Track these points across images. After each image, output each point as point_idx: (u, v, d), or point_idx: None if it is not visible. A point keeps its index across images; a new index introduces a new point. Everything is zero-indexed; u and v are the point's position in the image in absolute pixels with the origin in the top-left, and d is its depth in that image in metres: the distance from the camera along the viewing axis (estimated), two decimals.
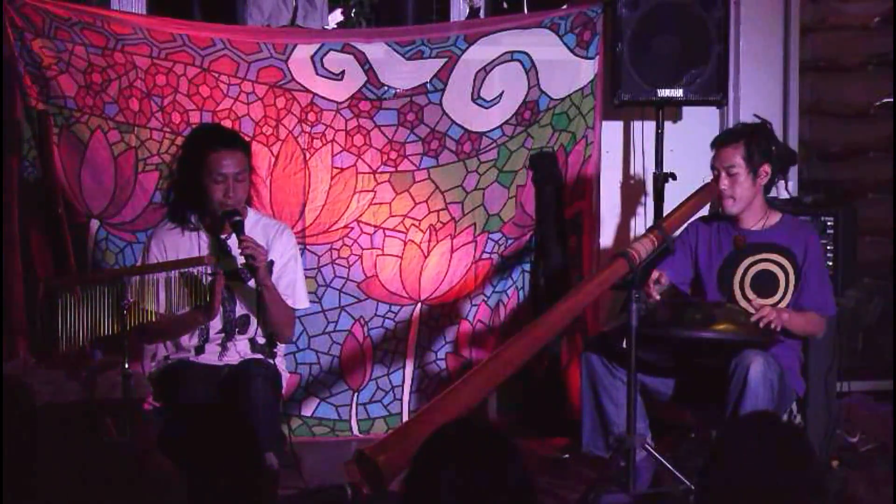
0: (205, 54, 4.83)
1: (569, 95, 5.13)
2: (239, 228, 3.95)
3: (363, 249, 5.03)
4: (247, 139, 4.52)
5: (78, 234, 4.71)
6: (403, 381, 5.10)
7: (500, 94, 5.08)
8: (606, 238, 5.44)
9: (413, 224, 5.07)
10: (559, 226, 5.14)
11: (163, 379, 4.08)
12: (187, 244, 4.06)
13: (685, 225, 4.31)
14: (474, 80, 5.05)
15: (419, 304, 5.10)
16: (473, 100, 5.06)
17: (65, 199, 4.66)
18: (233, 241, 4.01)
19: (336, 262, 5.00)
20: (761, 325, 3.99)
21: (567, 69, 5.13)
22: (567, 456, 4.64)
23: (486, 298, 5.15)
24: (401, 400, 5.10)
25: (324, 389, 5.03)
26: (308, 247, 4.94)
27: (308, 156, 4.96)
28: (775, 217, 4.27)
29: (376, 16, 5.39)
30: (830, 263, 4.64)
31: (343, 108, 4.97)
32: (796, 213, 4.54)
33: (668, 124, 5.23)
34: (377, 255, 5.04)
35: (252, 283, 3.98)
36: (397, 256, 5.06)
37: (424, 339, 5.12)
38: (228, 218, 3.97)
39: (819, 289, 4.18)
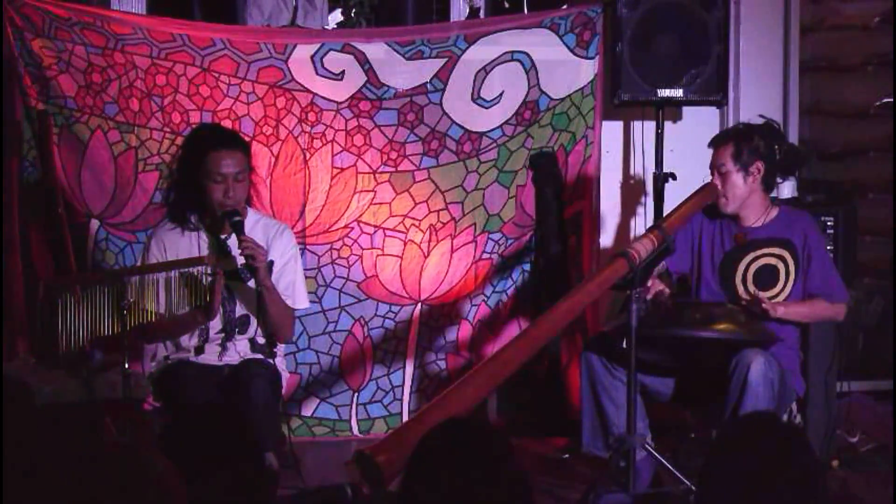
0: (205, 54, 4.84)
1: (569, 95, 5.13)
2: (239, 228, 3.94)
3: (363, 249, 5.03)
4: (247, 139, 4.53)
5: (78, 234, 4.71)
6: (403, 381, 5.10)
7: (500, 94, 5.08)
8: (606, 238, 5.44)
9: (413, 224, 5.07)
10: (559, 226, 5.14)
11: (163, 379, 4.08)
12: (187, 244, 4.06)
13: None
14: (474, 80, 5.05)
15: (419, 304, 5.10)
16: (473, 100, 5.06)
17: (65, 199, 4.65)
18: (233, 241, 4.01)
19: (336, 262, 5.00)
20: (755, 307, 4.00)
21: (567, 69, 5.13)
22: (567, 456, 4.65)
23: (486, 298, 5.15)
24: (401, 400, 5.10)
25: (324, 389, 5.03)
26: (308, 247, 4.94)
27: (308, 156, 4.96)
28: (774, 211, 4.29)
29: (376, 16, 5.38)
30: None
31: (343, 107, 4.97)
32: None
33: (668, 124, 5.23)
34: (377, 255, 5.04)
35: (252, 283, 3.98)
36: (397, 256, 5.06)
37: (424, 339, 5.12)
38: (228, 218, 3.97)
39: (823, 275, 4.17)
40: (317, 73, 4.94)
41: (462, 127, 5.06)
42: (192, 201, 4.06)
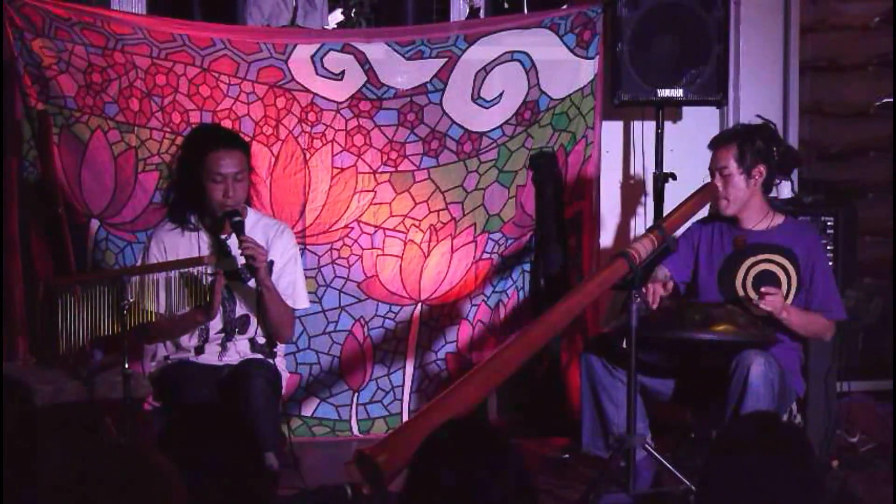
0: (205, 54, 4.83)
1: (569, 95, 5.13)
2: (239, 228, 3.94)
3: (363, 249, 5.03)
4: (247, 139, 4.53)
5: (78, 234, 4.71)
6: (404, 382, 5.10)
7: (500, 94, 5.08)
8: (606, 238, 5.44)
9: (413, 224, 5.07)
10: (559, 226, 5.14)
11: (163, 379, 4.08)
12: (187, 244, 4.06)
13: (687, 226, 4.31)
14: (474, 80, 5.05)
15: (419, 305, 5.10)
16: (473, 100, 5.06)
17: (65, 199, 4.65)
18: (233, 242, 4.01)
19: (336, 262, 5.00)
20: (765, 304, 3.99)
21: (567, 69, 5.13)
22: (567, 456, 4.64)
23: (486, 298, 5.15)
24: (401, 400, 5.10)
25: (324, 389, 5.03)
26: (308, 247, 4.94)
27: (308, 156, 4.96)
28: (779, 219, 4.27)
29: (376, 16, 5.38)
30: (830, 263, 4.64)
31: (343, 108, 4.97)
32: (796, 214, 4.54)
33: (668, 124, 5.23)
34: (377, 255, 5.04)
35: (252, 283, 3.98)
36: (397, 256, 5.06)
37: (425, 340, 5.11)
38: (229, 218, 3.97)
39: (825, 292, 4.17)
40: (317, 73, 4.94)
41: (462, 127, 5.06)
42: (192, 201, 4.06)
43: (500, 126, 5.08)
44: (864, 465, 4.52)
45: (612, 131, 5.40)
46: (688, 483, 3.81)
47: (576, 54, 5.12)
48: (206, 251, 4.04)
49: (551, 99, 5.11)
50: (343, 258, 5.01)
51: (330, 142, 4.97)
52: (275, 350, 4.10)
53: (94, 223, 4.79)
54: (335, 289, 5.01)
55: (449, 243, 5.10)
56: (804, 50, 5.66)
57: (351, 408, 5.06)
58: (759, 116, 4.42)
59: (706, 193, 4.26)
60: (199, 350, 4.08)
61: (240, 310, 4.08)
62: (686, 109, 5.40)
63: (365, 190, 5.01)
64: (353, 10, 5.34)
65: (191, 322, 4.01)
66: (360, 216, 5.02)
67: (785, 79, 5.59)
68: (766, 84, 5.55)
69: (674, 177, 5.09)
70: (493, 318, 5.16)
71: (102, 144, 4.77)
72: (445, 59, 5.01)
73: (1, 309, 4.56)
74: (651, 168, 5.22)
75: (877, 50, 5.69)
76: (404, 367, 5.10)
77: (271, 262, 4.06)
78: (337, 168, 4.99)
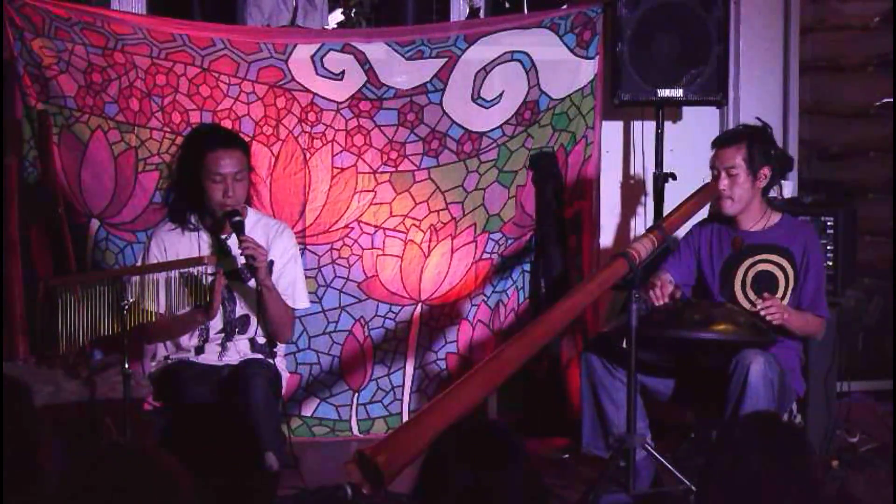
0: (205, 54, 4.83)
1: (569, 95, 5.13)
2: (239, 228, 3.94)
3: (363, 249, 5.03)
4: (247, 139, 4.53)
5: (78, 234, 4.71)
6: (404, 382, 5.10)
7: (500, 94, 5.08)
8: (606, 238, 5.44)
9: (413, 224, 5.07)
10: (559, 226, 5.14)
11: (163, 379, 4.08)
12: (187, 244, 4.06)
13: (687, 228, 4.32)
14: (474, 80, 5.05)
15: (420, 305, 5.10)
16: (473, 100, 5.06)
17: (65, 199, 4.65)
18: (233, 241, 4.01)
19: (336, 262, 5.00)
20: (765, 315, 3.99)
21: (567, 69, 5.13)
22: (567, 456, 4.65)
23: (486, 298, 5.15)
24: (401, 400, 5.10)
25: (324, 389, 5.03)
26: (308, 247, 4.94)
27: (308, 156, 4.96)
28: (775, 217, 4.27)
29: (376, 16, 5.39)
30: (830, 263, 4.64)
31: (343, 107, 4.97)
32: (796, 214, 4.54)
33: (668, 124, 5.24)
34: (378, 255, 5.04)
35: (252, 283, 3.98)
36: (398, 256, 5.06)
37: (425, 340, 5.11)
38: (229, 218, 3.97)
39: (815, 291, 4.18)
40: (317, 73, 4.94)
41: (462, 127, 5.06)
42: (191, 201, 4.06)
43: (500, 126, 5.08)
44: (864, 465, 4.52)
45: (612, 131, 5.40)
46: (688, 483, 3.81)
47: (576, 54, 5.12)
48: (206, 251, 4.04)
49: (551, 99, 5.11)
50: (343, 258, 5.01)
51: (330, 142, 4.97)
52: (275, 350, 4.09)
53: (94, 223, 4.79)
54: (335, 289, 5.01)
55: (449, 243, 5.10)
56: (804, 50, 5.66)
57: (351, 408, 5.06)
58: (758, 119, 4.42)
59: (706, 193, 4.26)
60: (199, 350, 4.08)
61: (240, 310, 4.08)
62: (686, 109, 5.40)
63: (365, 190, 5.01)
64: (353, 10, 5.34)
65: (191, 322, 4.01)
66: (360, 216, 5.02)
67: (785, 79, 5.59)
68: (766, 84, 5.55)
69: (674, 177, 5.10)
70: (493, 318, 5.16)
71: (102, 144, 4.77)
72: (445, 59, 5.01)
73: (1, 309, 4.56)
74: (651, 168, 5.22)
75: (877, 50, 5.69)
76: (404, 367, 5.10)
77: (271, 262, 4.06)
78: (337, 168, 4.99)
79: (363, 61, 4.95)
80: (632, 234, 5.45)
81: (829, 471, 4.35)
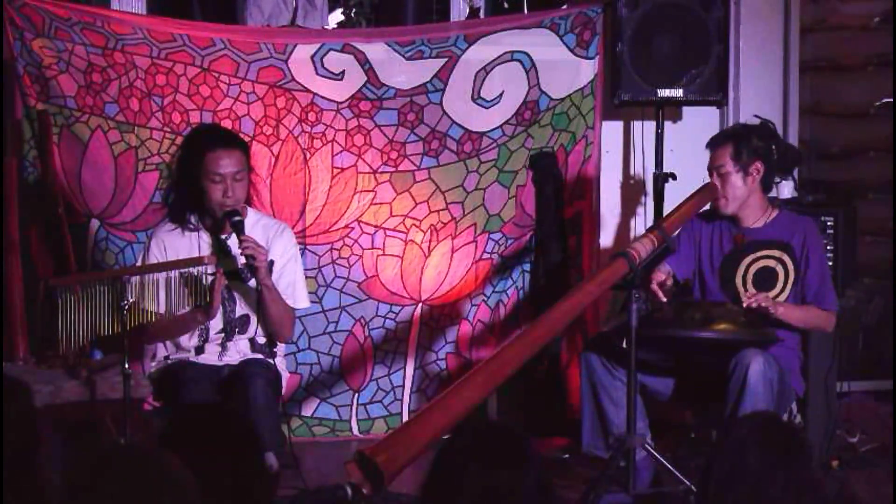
0: (205, 54, 4.83)
1: (569, 95, 5.13)
2: (239, 228, 3.94)
3: (364, 249, 5.03)
4: (246, 139, 4.53)
5: (78, 234, 4.71)
6: (404, 382, 5.10)
7: (501, 94, 5.08)
8: (606, 238, 5.44)
9: (414, 224, 5.07)
10: (559, 226, 5.14)
11: (163, 379, 4.08)
12: (187, 244, 4.06)
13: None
14: (474, 80, 5.05)
15: (420, 305, 5.09)
16: (474, 100, 5.06)
17: (65, 199, 4.65)
18: (233, 241, 4.01)
19: (336, 262, 5.00)
20: (753, 305, 3.99)
21: (567, 69, 5.13)
22: (567, 456, 4.64)
23: (486, 298, 5.15)
24: (401, 400, 5.10)
25: (324, 389, 5.03)
26: (308, 247, 4.94)
27: (308, 156, 4.96)
28: (774, 212, 4.28)
29: (376, 16, 5.39)
30: (830, 263, 4.64)
31: (343, 107, 4.97)
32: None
33: (668, 124, 5.24)
34: (378, 256, 5.04)
35: (252, 282, 3.98)
36: (398, 256, 5.06)
37: (425, 340, 5.11)
38: (229, 218, 3.97)
39: (819, 283, 4.18)
40: (317, 73, 4.94)
41: (462, 127, 5.06)
42: (191, 201, 4.06)
43: (501, 126, 5.08)
44: (864, 465, 4.53)
45: (612, 131, 5.40)
46: (688, 483, 3.80)
47: (576, 54, 5.12)
48: (206, 251, 4.04)
49: (551, 99, 5.11)
50: (343, 258, 5.01)
51: (330, 142, 4.97)
52: (275, 350, 4.09)
53: (94, 223, 4.79)
54: (335, 289, 5.01)
55: (449, 243, 5.10)
56: (804, 50, 5.66)
57: (351, 408, 5.06)
58: (756, 116, 4.42)
59: (706, 193, 4.26)
60: (199, 350, 4.08)
61: (240, 310, 4.08)
62: (686, 109, 5.40)
63: (365, 190, 5.01)
64: (353, 10, 5.34)
65: (191, 322, 4.01)
66: (360, 216, 5.02)
67: (785, 79, 5.59)
68: (765, 84, 5.55)
69: (674, 177, 5.10)
70: (494, 318, 5.16)
71: (102, 144, 4.77)
72: (445, 59, 5.01)
73: (1, 309, 4.56)
74: (651, 168, 5.22)
75: (877, 50, 5.69)
76: (405, 367, 5.10)
77: (271, 262, 4.06)
78: (337, 168, 4.99)
79: (363, 61, 4.95)
80: (632, 234, 5.45)
81: (829, 471, 4.35)
